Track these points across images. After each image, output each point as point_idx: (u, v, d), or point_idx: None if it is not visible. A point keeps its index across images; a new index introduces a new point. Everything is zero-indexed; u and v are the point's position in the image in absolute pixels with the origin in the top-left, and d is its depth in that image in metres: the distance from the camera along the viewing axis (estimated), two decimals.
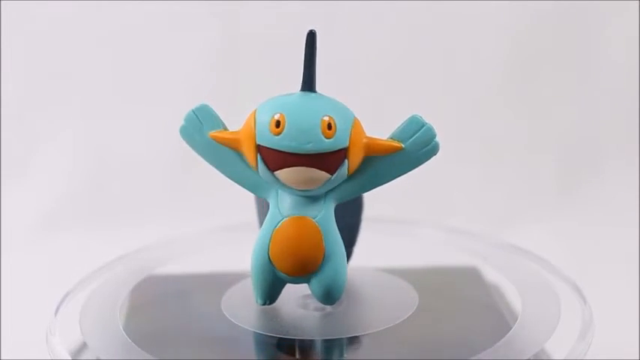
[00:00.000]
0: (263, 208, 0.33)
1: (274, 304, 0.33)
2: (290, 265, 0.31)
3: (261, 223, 0.33)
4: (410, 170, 0.32)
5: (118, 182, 0.67)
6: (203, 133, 0.32)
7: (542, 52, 0.68)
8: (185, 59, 0.69)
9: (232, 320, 0.33)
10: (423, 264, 0.40)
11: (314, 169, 0.30)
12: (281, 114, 0.30)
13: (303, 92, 0.30)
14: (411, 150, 0.32)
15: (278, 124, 0.29)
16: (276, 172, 0.30)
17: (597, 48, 0.68)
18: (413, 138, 0.31)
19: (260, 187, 0.31)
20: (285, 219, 0.31)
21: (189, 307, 0.36)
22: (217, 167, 0.32)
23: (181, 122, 0.33)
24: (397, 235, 0.43)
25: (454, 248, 0.41)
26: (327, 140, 0.29)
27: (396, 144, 0.31)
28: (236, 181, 0.32)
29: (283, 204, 0.31)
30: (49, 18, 0.68)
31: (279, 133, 0.29)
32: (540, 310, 0.33)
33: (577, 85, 0.69)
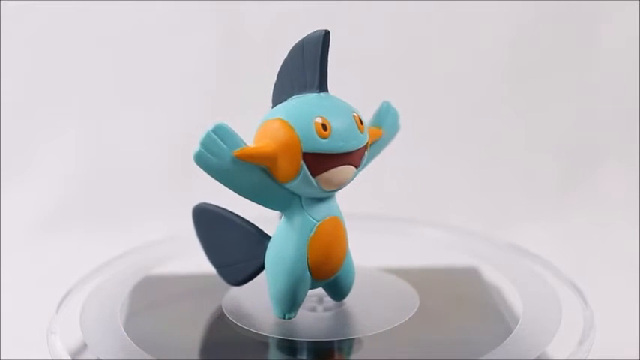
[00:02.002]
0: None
1: None
2: (329, 269, 0.31)
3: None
4: (380, 152, 0.34)
5: (118, 182, 0.67)
6: (224, 154, 0.29)
7: (541, 52, 0.68)
8: (185, 60, 0.69)
9: (233, 320, 0.33)
10: (424, 264, 0.40)
11: (351, 166, 0.30)
12: (322, 117, 0.29)
13: (319, 93, 0.30)
14: (385, 133, 0.33)
15: (325, 127, 0.29)
16: (317, 177, 0.29)
17: (597, 48, 0.68)
18: (387, 123, 0.33)
19: (282, 200, 0.30)
20: (319, 224, 0.31)
21: (190, 307, 0.36)
22: (236, 188, 0.30)
23: (196, 147, 0.29)
24: (397, 235, 0.43)
25: (454, 248, 0.41)
26: (362, 135, 0.30)
27: (378, 131, 0.33)
28: (256, 200, 0.30)
29: (312, 210, 0.31)
30: (50, 18, 0.68)
31: (327, 137, 0.29)
32: (541, 311, 0.33)
33: (577, 85, 0.69)
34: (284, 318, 0.32)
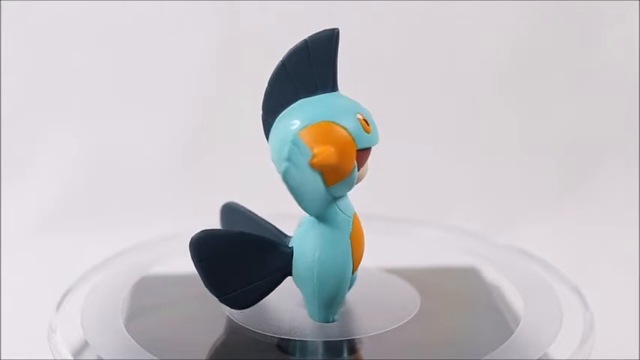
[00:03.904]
0: None
1: (275, 304, 0.33)
2: (359, 262, 0.31)
3: None
4: None
5: (117, 182, 0.67)
6: (303, 164, 0.28)
7: (542, 52, 0.68)
8: (185, 59, 0.69)
9: (234, 320, 0.33)
10: (424, 264, 0.40)
11: None
12: (360, 113, 0.29)
13: (332, 92, 0.30)
14: None
15: (367, 122, 0.29)
16: (359, 173, 0.30)
17: (597, 48, 0.68)
18: None
19: (323, 201, 0.30)
20: (351, 219, 0.31)
21: (191, 306, 0.36)
22: (302, 197, 0.29)
23: (283, 163, 0.28)
24: (397, 235, 0.43)
25: (454, 248, 0.41)
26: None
27: None
28: (306, 204, 0.30)
29: (343, 207, 0.31)
30: (49, 18, 0.68)
31: (370, 131, 0.29)
32: (542, 312, 0.33)
33: (577, 85, 0.69)
34: (331, 321, 0.32)
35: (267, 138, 0.30)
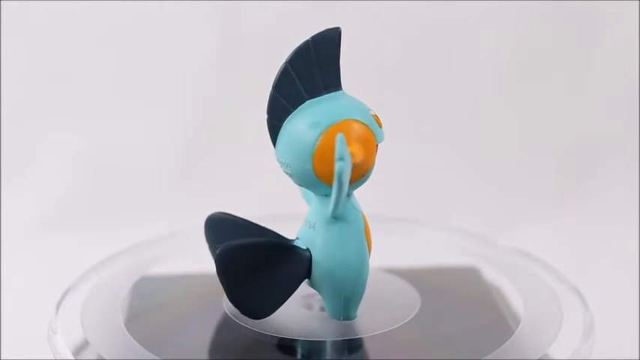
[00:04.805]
0: None
1: None
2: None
3: None
4: None
5: (117, 182, 0.67)
6: (349, 163, 0.28)
7: (542, 52, 0.68)
8: (185, 59, 0.69)
9: (234, 320, 0.33)
10: (424, 264, 0.40)
11: None
12: (370, 109, 0.30)
13: (337, 92, 0.30)
14: None
15: (378, 118, 0.30)
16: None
17: (597, 48, 0.68)
18: None
19: (346, 199, 0.30)
20: (362, 214, 0.31)
21: (192, 305, 0.36)
22: (340, 198, 0.29)
23: (339, 162, 0.27)
24: (397, 235, 0.43)
25: (454, 248, 0.41)
26: None
27: None
28: (340, 207, 0.30)
29: (355, 203, 0.31)
30: (49, 18, 0.68)
31: (382, 126, 0.30)
32: (542, 312, 0.34)
33: (577, 85, 0.69)
34: (353, 318, 0.32)
35: (274, 140, 0.30)
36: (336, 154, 0.27)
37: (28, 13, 0.68)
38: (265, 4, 0.68)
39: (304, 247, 0.31)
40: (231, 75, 0.68)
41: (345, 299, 0.31)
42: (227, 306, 0.34)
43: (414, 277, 0.37)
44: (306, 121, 0.29)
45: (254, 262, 0.30)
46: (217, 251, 0.29)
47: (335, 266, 0.30)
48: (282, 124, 0.30)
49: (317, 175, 0.29)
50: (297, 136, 0.29)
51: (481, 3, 0.67)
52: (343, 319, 0.32)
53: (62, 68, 0.68)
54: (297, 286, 0.31)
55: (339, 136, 0.27)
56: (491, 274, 0.39)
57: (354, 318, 0.32)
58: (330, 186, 0.29)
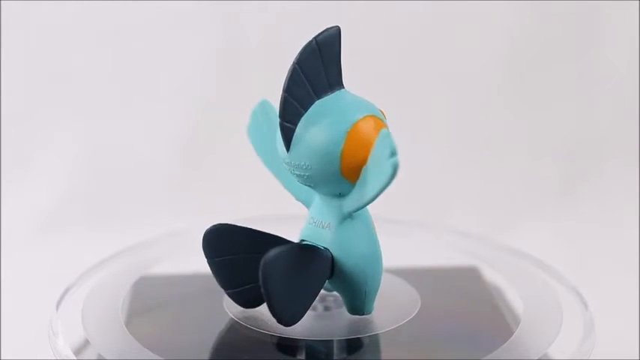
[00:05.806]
0: None
1: None
2: None
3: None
4: None
5: (117, 182, 0.67)
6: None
7: (542, 52, 0.68)
8: (185, 59, 0.69)
9: (234, 319, 0.33)
10: (424, 264, 0.40)
11: None
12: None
13: (341, 90, 0.30)
14: None
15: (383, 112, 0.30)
16: None
17: (597, 48, 0.68)
18: None
19: None
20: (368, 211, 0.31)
21: (192, 305, 0.36)
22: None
23: (392, 159, 0.28)
24: (397, 236, 0.43)
25: (455, 248, 0.41)
26: None
27: None
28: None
29: None
30: (50, 18, 0.68)
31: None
32: (542, 312, 0.34)
33: (577, 86, 0.69)
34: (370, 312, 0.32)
35: (288, 144, 0.30)
36: (388, 150, 0.27)
37: (29, 13, 0.68)
38: (265, 4, 0.68)
39: (322, 248, 0.31)
40: (231, 76, 0.68)
41: (368, 295, 0.31)
42: (227, 306, 0.34)
43: (414, 277, 0.37)
44: (326, 122, 0.29)
45: (293, 268, 0.30)
46: (261, 264, 0.28)
47: (358, 262, 0.31)
48: (295, 127, 0.30)
49: (343, 174, 0.29)
50: (320, 137, 0.29)
51: (482, 3, 0.67)
52: (365, 314, 0.32)
53: (62, 68, 0.68)
54: (322, 288, 0.31)
55: (384, 132, 0.28)
56: (491, 274, 0.39)
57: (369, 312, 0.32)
58: (353, 184, 0.29)
